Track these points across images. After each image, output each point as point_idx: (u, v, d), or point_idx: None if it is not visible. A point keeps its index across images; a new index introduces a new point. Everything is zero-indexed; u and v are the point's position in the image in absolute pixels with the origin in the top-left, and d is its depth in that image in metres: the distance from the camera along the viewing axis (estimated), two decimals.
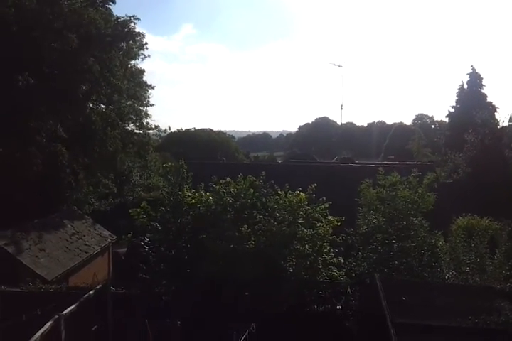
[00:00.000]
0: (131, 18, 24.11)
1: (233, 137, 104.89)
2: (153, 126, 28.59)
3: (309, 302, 11.92)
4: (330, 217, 12.89)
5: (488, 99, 54.58)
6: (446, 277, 12.19)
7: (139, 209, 13.30)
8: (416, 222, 13.16)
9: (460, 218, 18.45)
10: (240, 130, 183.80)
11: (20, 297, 12.10)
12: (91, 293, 11.22)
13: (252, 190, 13.25)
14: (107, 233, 22.59)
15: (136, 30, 24.69)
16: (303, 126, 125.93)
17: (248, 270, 11.56)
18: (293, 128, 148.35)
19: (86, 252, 19.36)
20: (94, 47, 22.52)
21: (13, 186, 20.05)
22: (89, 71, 21.83)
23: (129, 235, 14.05)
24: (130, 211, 13.46)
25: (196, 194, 13.48)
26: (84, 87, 23.42)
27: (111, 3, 23.72)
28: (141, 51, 27.51)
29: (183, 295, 12.01)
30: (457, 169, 34.07)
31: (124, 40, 24.55)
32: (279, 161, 58.91)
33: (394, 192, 13.55)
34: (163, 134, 34.46)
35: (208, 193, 13.42)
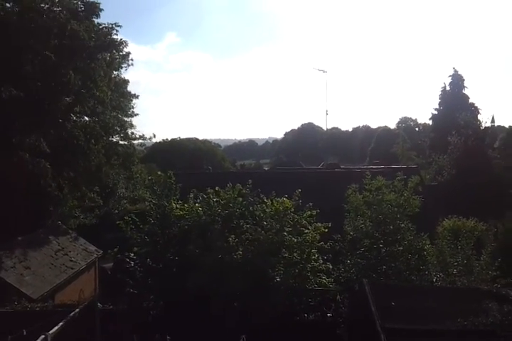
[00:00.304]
0: (113, 26, 23.96)
1: (219, 145, 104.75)
2: (137, 136, 28.39)
3: (299, 310, 11.86)
4: (318, 224, 12.87)
5: (471, 101, 55.37)
6: (434, 280, 12.23)
7: (127, 218, 13.16)
8: (402, 225, 13.21)
9: (446, 220, 18.57)
10: (225, 138, 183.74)
11: (5, 317, 11.84)
12: (78, 310, 11.02)
13: (240, 199, 13.21)
14: (92, 248, 22.28)
15: (119, 38, 24.53)
16: (288, 132, 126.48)
17: (237, 280, 11.49)
18: (279, 134, 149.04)
19: (72, 268, 19.04)
20: (76, 59, 22.36)
21: None
22: (72, 83, 21.64)
23: (115, 249, 13.88)
24: (118, 223, 13.31)
25: (185, 205, 13.37)
26: (67, 99, 23.21)
27: (95, 16, 23.53)
28: (125, 61, 27.39)
29: (171, 309, 11.87)
30: (442, 171, 34.42)
31: (107, 50, 24.37)
32: (266, 168, 58.93)
33: (380, 196, 13.59)
34: (148, 142, 34.20)
35: (196, 204, 13.34)
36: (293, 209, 12.92)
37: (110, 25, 23.82)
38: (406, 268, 12.52)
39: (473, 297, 9.83)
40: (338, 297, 11.91)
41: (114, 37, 24.01)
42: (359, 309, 10.48)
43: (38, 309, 12.52)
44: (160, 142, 68.42)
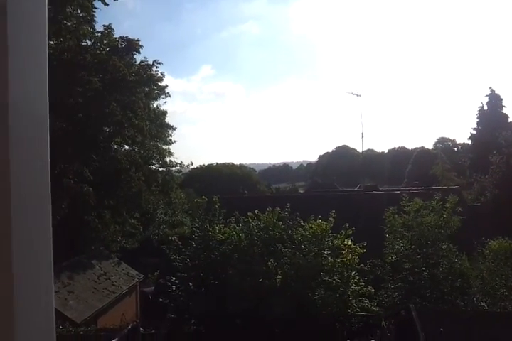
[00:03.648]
0: (154, 63, 25.12)
1: (254, 170, 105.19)
2: (175, 163, 29.11)
3: (342, 337, 11.57)
4: (349, 242, 12.65)
5: (510, 120, 53.84)
6: (482, 303, 11.71)
7: (172, 239, 13.39)
8: (445, 246, 12.84)
9: (491, 241, 17.86)
10: (260, 162, 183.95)
11: None
12: (120, 334, 11.14)
13: (280, 223, 13.21)
14: (134, 272, 22.55)
15: (158, 71, 25.60)
16: (323, 155, 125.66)
17: (277, 305, 11.37)
18: (313, 157, 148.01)
19: (114, 292, 19.31)
20: (117, 92, 23.41)
21: None
22: (113, 114, 22.58)
23: (155, 273, 14.04)
24: (162, 246, 13.54)
25: (226, 229, 13.47)
26: (108, 130, 24.18)
27: (135, 52, 24.64)
28: (162, 93, 28.58)
29: (213, 333, 11.82)
30: (484, 191, 33.35)
31: (146, 85, 25.49)
32: (301, 191, 58.69)
33: (419, 219, 13.31)
34: (185, 170, 34.88)
35: (237, 227, 13.41)
36: (330, 231, 12.79)
37: (151, 63, 25.07)
38: (450, 291, 12.08)
39: None
40: (383, 323, 11.55)
41: (153, 73, 25.20)
42: (406, 335, 10.14)
43: (81, 333, 12.72)
44: (197, 168, 69.48)
